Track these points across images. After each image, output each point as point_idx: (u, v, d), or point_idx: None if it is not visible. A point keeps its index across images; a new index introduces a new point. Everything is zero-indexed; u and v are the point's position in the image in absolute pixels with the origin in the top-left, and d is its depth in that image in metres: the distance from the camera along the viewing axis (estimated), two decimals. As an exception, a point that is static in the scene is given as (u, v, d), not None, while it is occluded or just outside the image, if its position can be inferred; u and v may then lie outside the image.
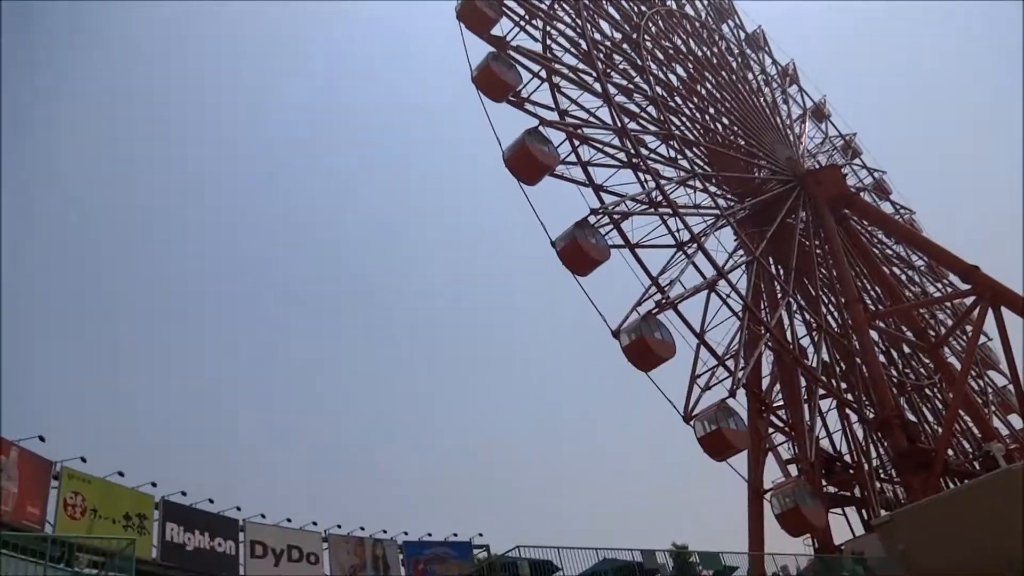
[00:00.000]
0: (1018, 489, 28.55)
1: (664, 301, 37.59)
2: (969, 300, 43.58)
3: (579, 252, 36.50)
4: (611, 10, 49.08)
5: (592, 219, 38.02)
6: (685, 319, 38.89)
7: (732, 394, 36.39)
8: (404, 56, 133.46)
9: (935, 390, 46.34)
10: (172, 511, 27.24)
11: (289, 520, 31.93)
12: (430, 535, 36.67)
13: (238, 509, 29.82)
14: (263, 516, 30.81)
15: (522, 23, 44.05)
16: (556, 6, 46.27)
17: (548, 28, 44.85)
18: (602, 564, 22.97)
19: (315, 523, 32.58)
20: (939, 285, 53.81)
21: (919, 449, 38.60)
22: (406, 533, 35.96)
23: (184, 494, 28.06)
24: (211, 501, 28.75)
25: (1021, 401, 41.08)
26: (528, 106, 41.83)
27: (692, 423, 35.49)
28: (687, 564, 25.14)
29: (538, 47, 43.87)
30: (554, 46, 44.82)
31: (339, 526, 33.63)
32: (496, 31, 42.21)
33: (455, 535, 36.96)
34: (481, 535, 37.22)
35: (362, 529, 34.52)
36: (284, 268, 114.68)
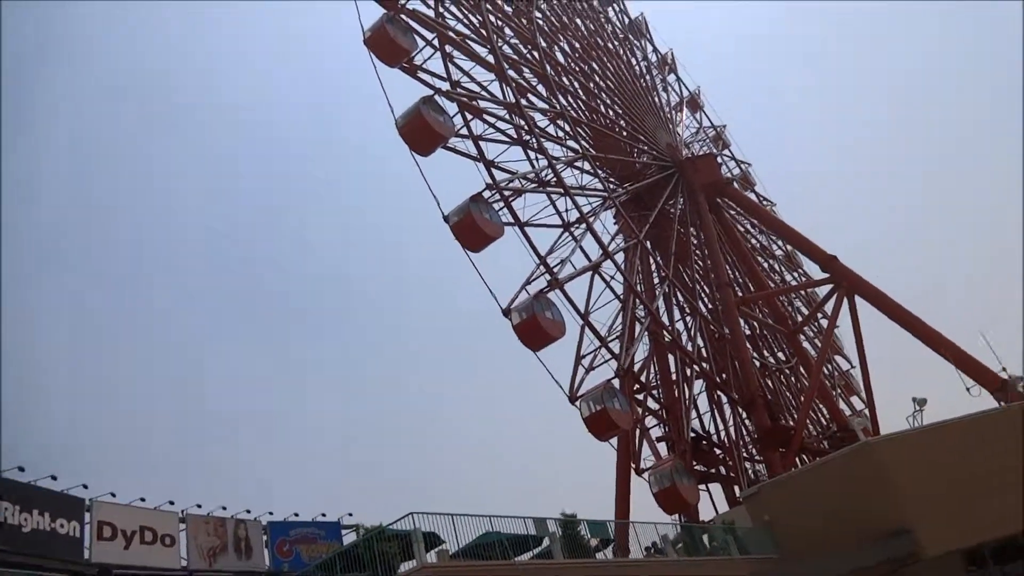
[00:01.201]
0: (870, 463, 31.08)
1: (553, 280, 37.55)
2: (827, 288, 46.44)
3: (474, 228, 35.72)
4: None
5: (487, 194, 37.27)
6: (571, 300, 39.09)
7: (618, 376, 37.06)
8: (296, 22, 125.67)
9: (792, 373, 49.44)
10: (6, 488, 23.98)
11: (143, 499, 29.16)
12: (297, 515, 34.98)
13: (85, 487, 26.84)
14: (113, 495, 28.06)
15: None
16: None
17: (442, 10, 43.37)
18: (488, 536, 22.86)
19: (172, 502, 30.18)
20: (795, 274, 57.40)
21: (780, 427, 41.08)
22: (271, 513, 34.04)
23: (22, 469, 24.82)
24: (54, 478, 25.85)
25: (867, 386, 44.63)
26: (421, 75, 40.32)
27: (577, 403, 35.84)
28: (575, 532, 25.43)
29: (431, 14, 42.31)
30: (447, 16, 43.44)
31: (199, 505, 31.43)
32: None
33: (323, 515, 35.52)
34: (351, 515, 35.98)
35: (224, 509, 32.36)
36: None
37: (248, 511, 32.93)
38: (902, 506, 29.54)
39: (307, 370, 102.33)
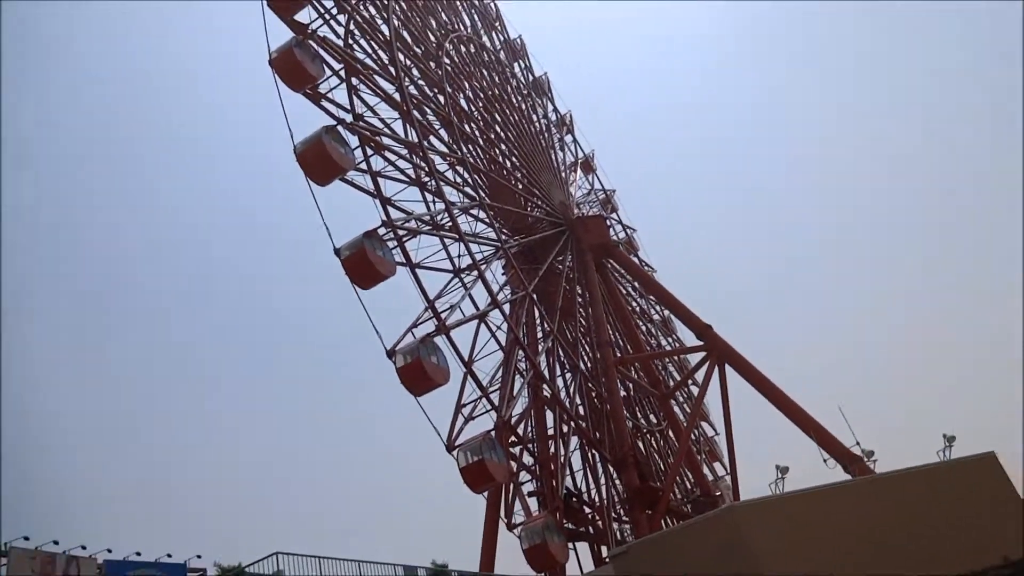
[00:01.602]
0: (732, 526, 32.03)
1: (441, 326, 37.06)
2: (699, 355, 48.16)
3: (366, 264, 34.86)
4: (418, 23, 48.46)
5: (381, 231, 36.57)
6: (455, 346, 38.69)
7: (496, 427, 36.75)
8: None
9: (662, 436, 50.72)
10: None
11: (-40, 532, 25.95)
12: (139, 554, 32.11)
13: None
14: (-79, 525, 24.82)
15: (327, 16, 41.77)
16: (363, 6, 44.54)
17: (352, 28, 43.00)
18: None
19: (-7, 533, 27.01)
20: (670, 339, 59.41)
21: (649, 488, 41.73)
22: (109, 551, 31.16)
23: None
24: None
25: (731, 452, 46.31)
26: (325, 104, 39.50)
27: (455, 453, 35.16)
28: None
29: (341, 44, 41.77)
30: (357, 49, 43.04)
31: (26, 538, 28.40)
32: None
33: (168, 555, 32.77)
34: (199, 556, 33.39)
35: (55, 543, 29.27)
36: None
37: (83, 547, 30.06)
38: (760, 570, 30.46)
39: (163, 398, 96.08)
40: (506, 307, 43.94)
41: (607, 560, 35.84)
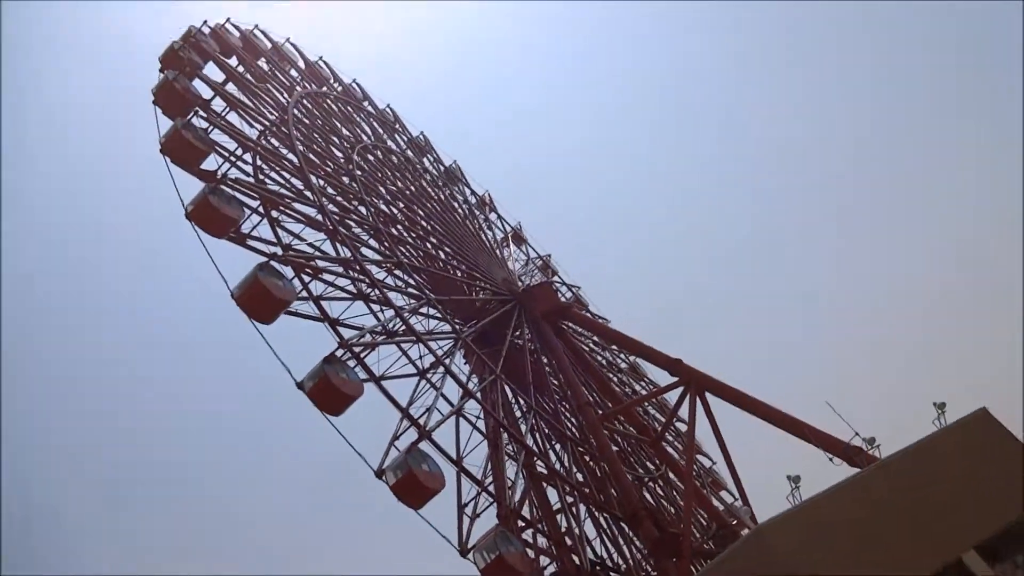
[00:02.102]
0: (764, 547, 31.29)
1: (422, 431, 36.17)
2: (678, 391, 48.01)
3: (333, 390, 34.01)
4: (322, 143, 48.98)
5: (339, 353, 35.84)
6: (441, 448, 37.76)
7: (504, 519, 35.76)
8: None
9: (663, 481, 50.02)
10: None
11: None
12: None
13: None
14: None
15: (232, 158, 41.83)
16: (265, 140, 44.84)
17: (259, 163, 43.15)
18: None
19: None
20: (642, 383, 59.35)
21: (669, 535, 40.77)
22: None
23: None
24: None
25: (735, 476, 45.96)
26: (251, 243, 39.10)
27: (471, 555, 33.90)
28: None
29: (252, 180, 41.80)
30: (269, 182, 43.11)
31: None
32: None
33: None
34: None
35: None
36: None
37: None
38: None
39: None
40: (480, 395, 43.24)
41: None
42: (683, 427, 50.45)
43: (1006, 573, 31.66)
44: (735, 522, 49.21)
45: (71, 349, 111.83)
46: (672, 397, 48.83)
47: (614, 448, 47.22)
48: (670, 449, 52.56)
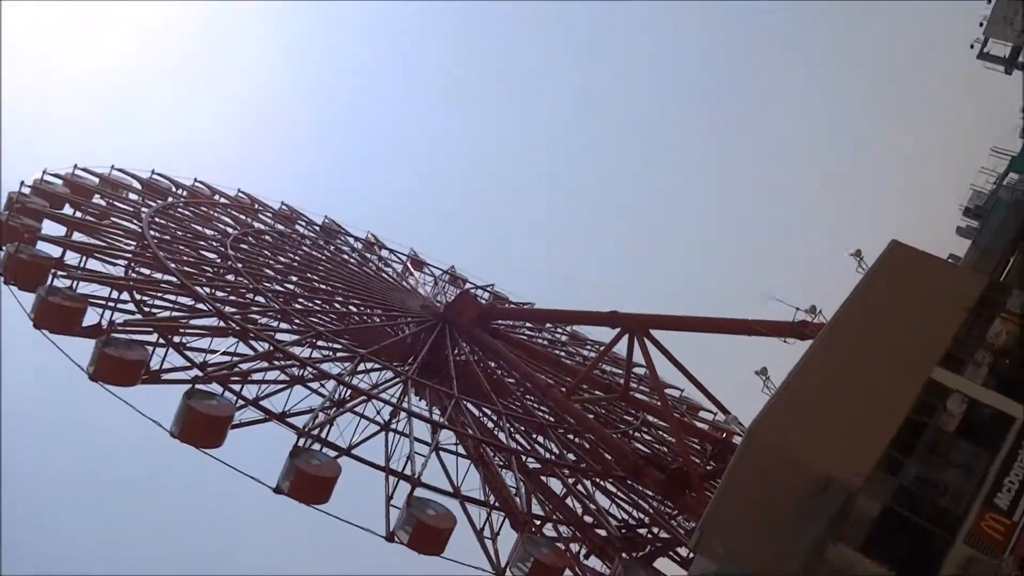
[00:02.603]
0: (764, 446, 32.32)
1: (412, 481, 35.60)
2: (624, 342, 48.98)
3: (311, 481, 33.02)
4: (192, 254, 47.34)
5: (302, 442, 34.79)
6: (436, 488, 37.29)
7: (523, 526, 35.79)
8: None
9: (644, 428, 51.07)
10: None
11: None
12: None
13: None
14: None
15: (110, 304, 39.77)
16: (134, 272, 42.94)
17: (139, 296, 41.24)
18: None
19: None
20: (587, 347, 60.36)
21: (674, 472, 41.61)
22: None
23: None
24: None
25: (708, 394, 47.52)
26: (165, 376, 37.32)
27: (509, 573, 33.77)
28: None
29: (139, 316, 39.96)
30: (156, 309, 41.30)
31: None
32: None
33: None
34: None
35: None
36: None
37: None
38: (809, 464, 30.90)
39: None
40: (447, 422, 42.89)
41: (692, 556, 35.27)
42: (643, 371, 51.73)
43: (972, 374, 33.97)
44: (724, 435, 50.96)
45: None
46: (622, 348, 49.68)
47: (590, 416, 47.89)
48: (640, 396, 53.77)
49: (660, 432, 50.46)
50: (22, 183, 45.79)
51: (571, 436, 46.11)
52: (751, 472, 32.27)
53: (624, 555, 36.43)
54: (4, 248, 39.72)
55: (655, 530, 42.26)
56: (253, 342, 41.22)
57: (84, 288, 39.44)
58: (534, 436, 46.55)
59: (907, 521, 31.42)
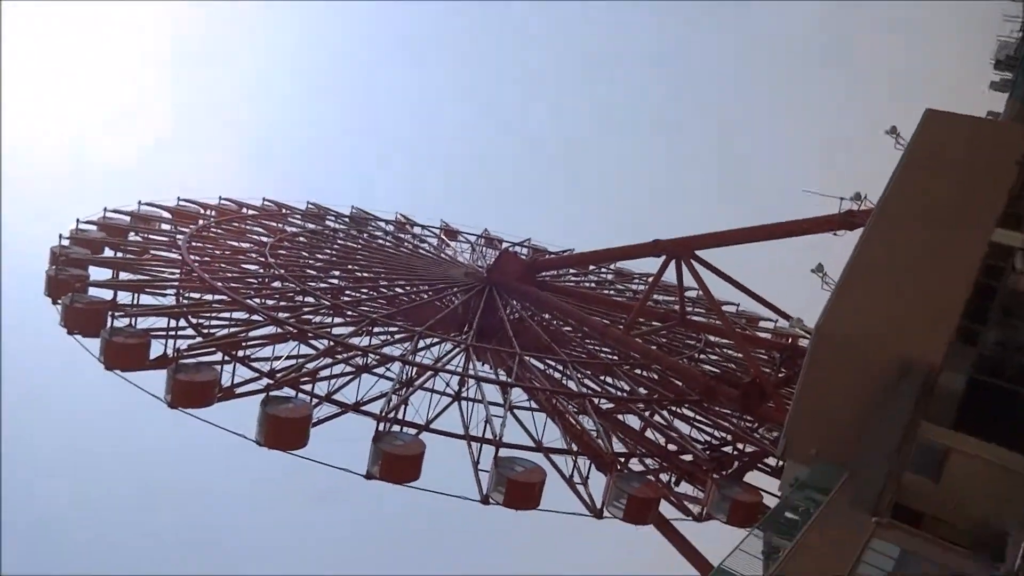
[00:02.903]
0: (833, 341, 31.95)
1: (495, 443, 36.20)
2: (672, 270, 48.52)
3: (399, 462, 33.92)
4: (233, 269, 48.08)
5: (382, 427, 35.55)
6: (518, 445, 38.00)
7: (610, 466, 36.25)
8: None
9: (708, 349, 50.99)
10: None
11: None
12: None
13: None
14: None
15: (171, 332, 40.71)
16: (185, 298, 43.80)
17: (195, 320, 42.14)
18: None
19: None
20: (636, 282, 60.16)
21: (747, 386, 41.54)
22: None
23: None
24: None
25: (766, 303, 47.19)
26: (238, 391, 38.24)
27: (607, 512, 34.51)
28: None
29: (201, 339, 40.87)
30: (214, 327, 42.18)
31: None
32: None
33: None
34: None
35: None
36: None
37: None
38: (883, 349, 30.53)
39: None
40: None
41: (782, 465, 35.28)
42: (695, 293, 51.36)
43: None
44: (789, 340, 50.59)
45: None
46: (670, 276, 49.31)
47: (653, 348, 47.96)
48: (697, 318, 53.53)
49: (725, 350, 50.37)
50: (60, 236, 46.72)
51: (639, 370, 46.23)
52: (827, 370, 32.07)
53: (714, 475, 36.61)
54: (60, 302, 40.75)
55: (740, 446, 42.37)
56: (313, 341, 41.99)
57: (143, 323, 40.39)
58: (602, 377, 46.73)
59: (994, 387, 31.21)
